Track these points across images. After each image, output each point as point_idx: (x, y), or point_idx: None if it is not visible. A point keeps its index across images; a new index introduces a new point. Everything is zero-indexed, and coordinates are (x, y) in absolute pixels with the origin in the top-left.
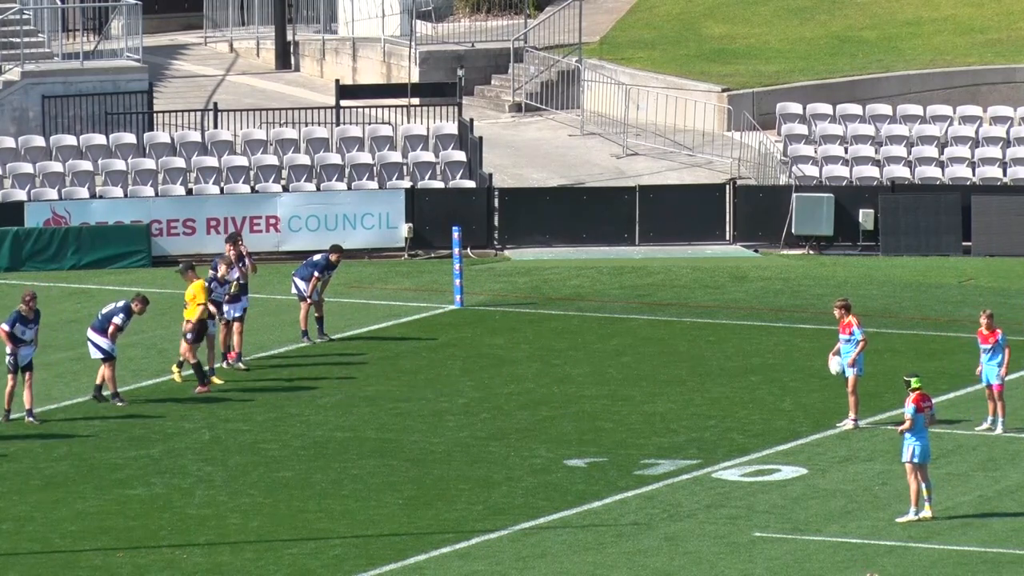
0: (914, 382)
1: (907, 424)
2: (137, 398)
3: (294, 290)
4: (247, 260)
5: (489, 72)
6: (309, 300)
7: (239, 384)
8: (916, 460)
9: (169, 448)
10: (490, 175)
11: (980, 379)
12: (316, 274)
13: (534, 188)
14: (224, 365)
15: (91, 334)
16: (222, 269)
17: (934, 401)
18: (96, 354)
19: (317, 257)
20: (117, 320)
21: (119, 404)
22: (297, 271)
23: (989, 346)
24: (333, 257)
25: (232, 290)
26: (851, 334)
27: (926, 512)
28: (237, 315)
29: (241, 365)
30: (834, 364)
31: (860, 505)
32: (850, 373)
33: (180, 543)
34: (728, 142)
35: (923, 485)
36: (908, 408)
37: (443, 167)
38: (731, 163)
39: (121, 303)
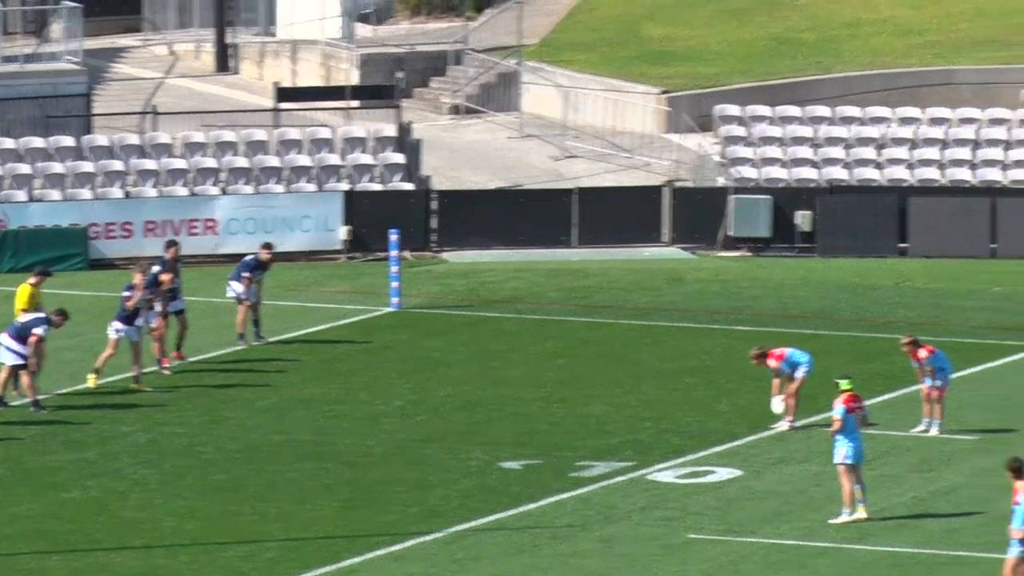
0: (844, 384)
1: (836, 426)
2: (71, 403)
3: (230, 293)
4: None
5: (428, 74)
6: (245, 302)
7: (175, 387)
8: (849, 461)
9: (105, 451)
10: (428, 177)
11: (922, 380)
12: (247, 274)
13: (472, 190)
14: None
15: (7, 339)
16: (137, 278)
17: (869, 403)
18: (14, 360)
19: (248, 258)
20: (39, 331)
21: (40, 412)
22: (232, 274)
23: (917, 363)
24: (264, 255)
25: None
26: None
27: (860, 513)
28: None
29: (166, 371)
30: (777, 405)
31: (795, 506)
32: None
33: (115, 546)
34: (666, 144)
35: (857, 486)
36: (837, 409)
37: (381, 169)
38: (669, 165)
39: (42, 315)
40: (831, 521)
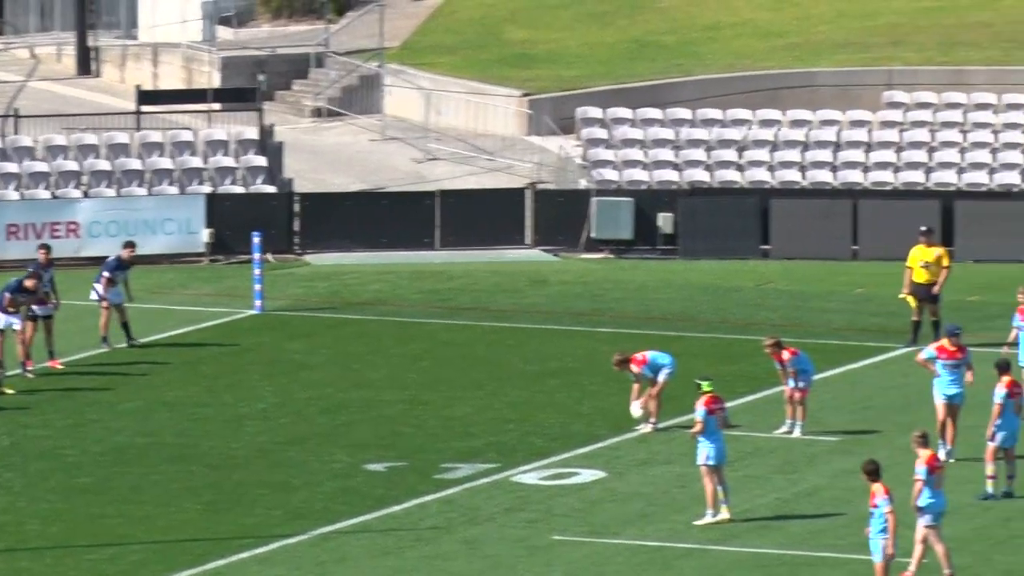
0: (705, 385)
1: (698, 427)
2: None
3: (93, 296)
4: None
5: (290, 77)
6: (106, 303)
7: (39, 390)
8: (711, 462)
9: None
10: (291, 180)
11: (785, 382)
12: (106, 274)
13: (335, 193)
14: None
15: None
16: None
17: (732, 404)
18: None
19: (110, 258)
20: None
21: None
22: (96, 276)
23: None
24: (125, 254)
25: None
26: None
27: (723, 514)
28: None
29: (29, 374)
30: (635, 409)
31: (658, 508)
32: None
33: None
34: (528, 147)
35: (719, 487)
36: (699, 411)
37: (244, 172)
38: (531, 168)
39: None
40: (695, 522)
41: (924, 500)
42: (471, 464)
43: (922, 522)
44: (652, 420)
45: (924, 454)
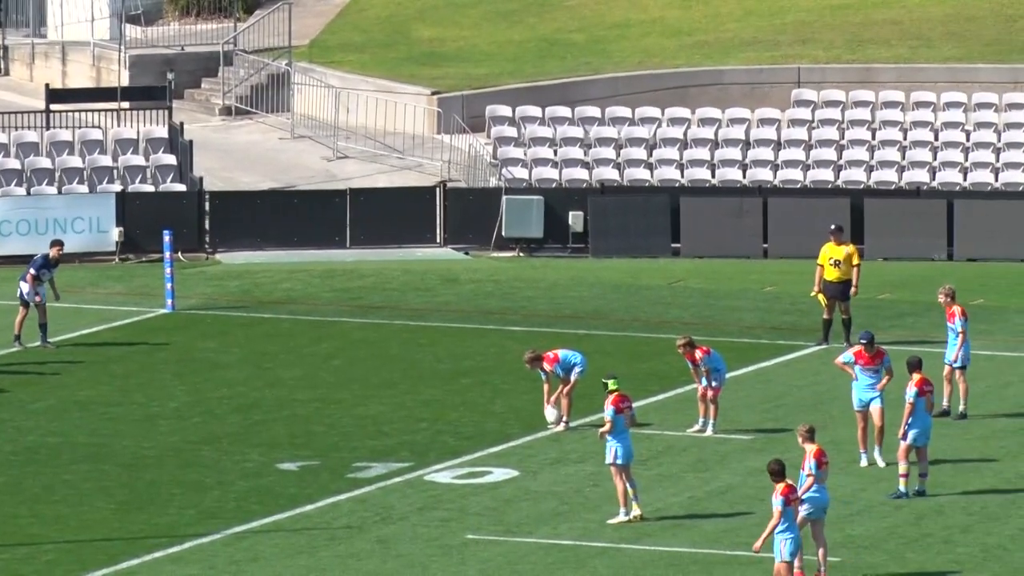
0: (611, 384)
1: (607, 427)
2: None
3: (18, 293)
4: None
5: (199, 75)
6: (38, 301)
7: None
8: (620, 461)
9: None
10: (201, 178)
11: (698, 381)
12: (32, 271)
13: (245, 191)
14: None
15: None
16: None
17: (645, 403)
18: None
19: (37, 256)
20: None
21: None
22: (22, 275)
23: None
24: (52, 252)
25: None
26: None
27: (635, 512)
28: None
29: None
30: (550, 413)
31: (571, 507)
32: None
33: None
34: (438, 145)
35: (629, 485)
36: (608, 410)
37: (154, 171)
38: (441, 166)
39: None
40: (609, 521)
41: (807, 493)
42: (384, 463)
43: (801, 511)
44: (564, 419)
45: (811, 448)
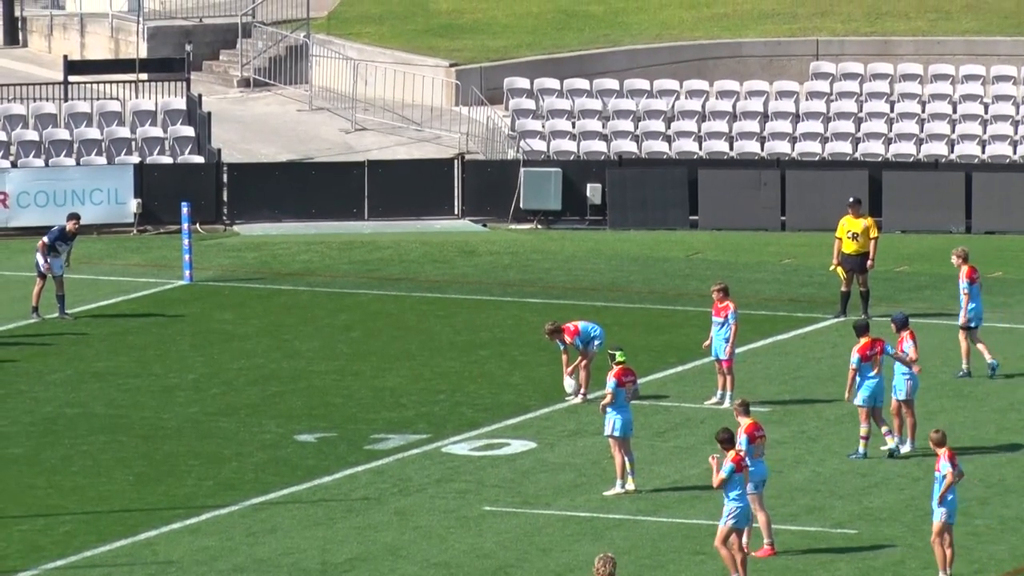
0: (619, 356)
1: (607, 398)
2: None
3: (36, 265)
4: None
5: (217, 47)
6: (45, 271)
7: None
8: (617, 434)
9: None
10: (219, 150)
11: (709, 352)
12: (45, 240)
13: (263, 163)
14: None
15: None
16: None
17: (662, 375)
18: None
19: (54, 228)
20: None
21: None
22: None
23: (721, 319)
24: (69, 226)
25: None
26: (726, 317)
27: (630, 485)
28: None
29: None
30: (568, 384)
31: (589, 479)
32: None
33: None
34: (456, 117)
35: (627, 459)
36: (609, 383)
37: (172, 142)
38: (459, 138)
39: None
40: (605, 493)
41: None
42: (402, 435)
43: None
44: (583, 391)
45: (744, 423)
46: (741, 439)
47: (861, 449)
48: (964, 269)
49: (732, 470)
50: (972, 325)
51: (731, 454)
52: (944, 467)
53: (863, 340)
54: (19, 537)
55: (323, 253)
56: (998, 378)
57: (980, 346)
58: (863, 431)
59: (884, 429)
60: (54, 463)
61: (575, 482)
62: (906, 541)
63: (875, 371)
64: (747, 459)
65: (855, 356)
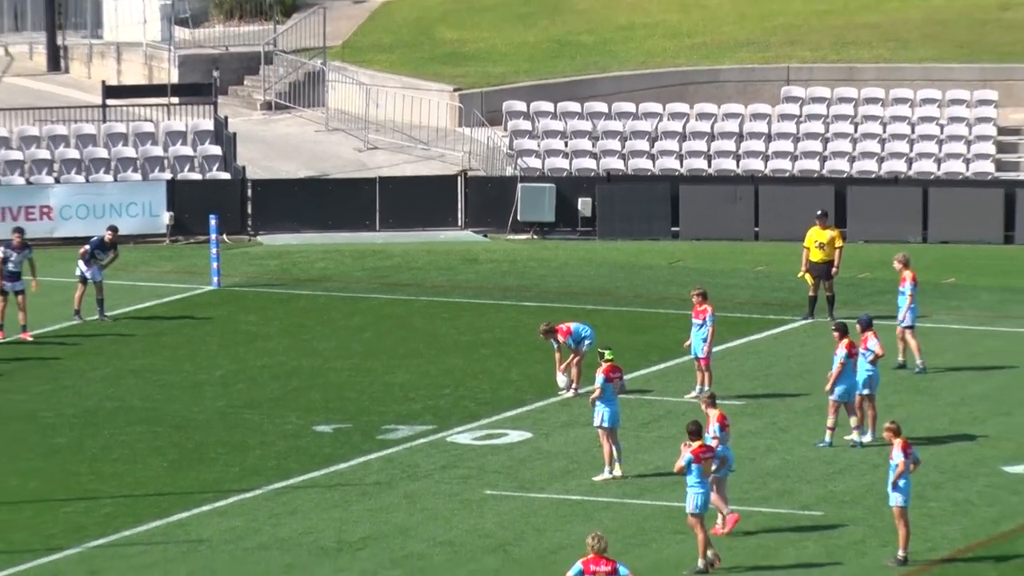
0: (607, 354)
1: (597, 392)
2: None
3: (77, 272)
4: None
5: (242, 73)
6: (86, 280)
7: (17, 358)
8: (606, 424)
9: None
10: (243, 167)
11: (689, 351)
12: (86, 248)
13: (284, 179)
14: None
15: None
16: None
17: (645, 371)
18: None
19: (94, 238)
20: None
21: None
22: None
23: (700, 321)
24: (108, 236)
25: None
26: (704, 319)
27: (617, 471)
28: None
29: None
30: (561, 380)
31: (580, 465)
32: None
33: None
34: (459, 137)
35: (614, 447)
36: (598, 378)
37: (201, 160)
38: (462, 156)
39: None
40: (594, 479)
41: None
42: (410, 426)
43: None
44: (574, 385)
45: (713, 413)
46: (713, 427)
47: (828, 438)
48: (908, 273)
49: (690, 460)
50: (914, 325)
51: (694, 445)
52: (897, 456)
53: (846, 339)
54: (64, 518)
55: (338, 261)
56: (950, 374)
57: (913, 344)
58: (830, 422)
59: (853, 422)
60: (95, 451)
61: (567, 468)
62: (867, 522)
63: (853, 369)
64: (721, 446)
65: (842, 352)
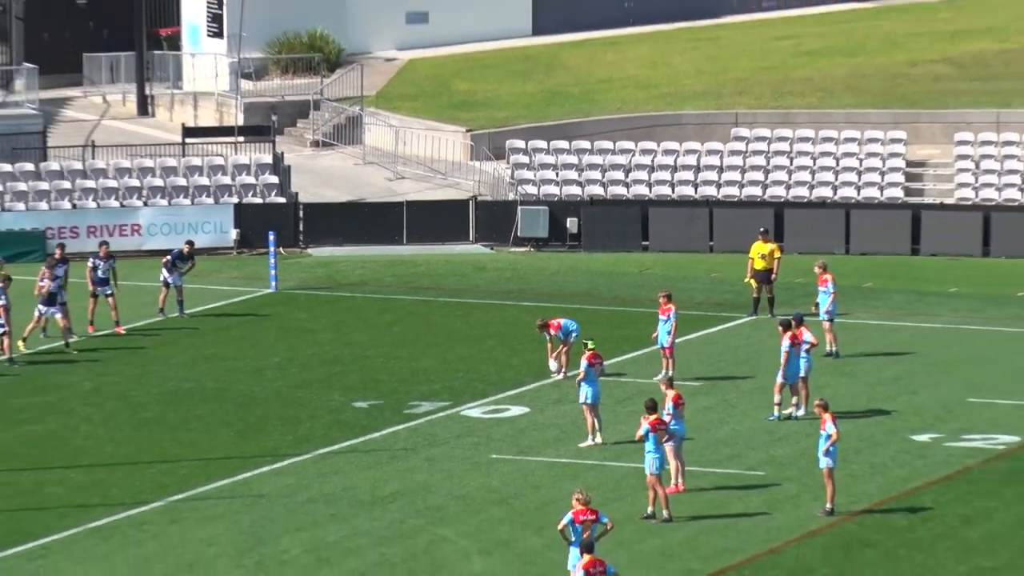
0: (590, 344)
1: (582, 375)
2: (34, 360)
3: (161, 278)
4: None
5: (295, 117)
6: (166, 284)
7: (112, 348)
8: (589, 401)
9: (60, 395)
10: (296, 193)
11: (656, 342)
12: (168, 257)
13: (329, 203)
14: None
15: None
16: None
17: (621, 358)
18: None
19: (175, 250)
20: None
21: (13, 367)
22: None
23: (665, 317)
24: (186, 249)
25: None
26: (669, 316)
27: (598, 439)
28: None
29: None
30: (552, 366)
31: (569, 435)
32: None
33: (69, 465)
34: (471, 169)
35: (596, 420)
36: (583, 363)
37: (262, 187)
38: (473, 184)
39: None
40: (580, 445)
41: (670, 426)
42: (431, 402)
43: (667, 445)
44: (563, 370)
45: (670, 394)
46: (668, 406)
47: (776, 413)
48: (829, 276)
49: (648, 430)
50: (834, 318)
51: (652, 418)
52: (830, 428)
53: (790, 332)
54: (149, 477)
55: (373, 269)
56: (868, 360)
57: (830, 335)
58: (777, 399)
59: (794, 400)
60: (175, 423)
61: (558, 437)
62: (801, 481)
63: (797, 355)
64: (675, 420)
65: (786, 343)
